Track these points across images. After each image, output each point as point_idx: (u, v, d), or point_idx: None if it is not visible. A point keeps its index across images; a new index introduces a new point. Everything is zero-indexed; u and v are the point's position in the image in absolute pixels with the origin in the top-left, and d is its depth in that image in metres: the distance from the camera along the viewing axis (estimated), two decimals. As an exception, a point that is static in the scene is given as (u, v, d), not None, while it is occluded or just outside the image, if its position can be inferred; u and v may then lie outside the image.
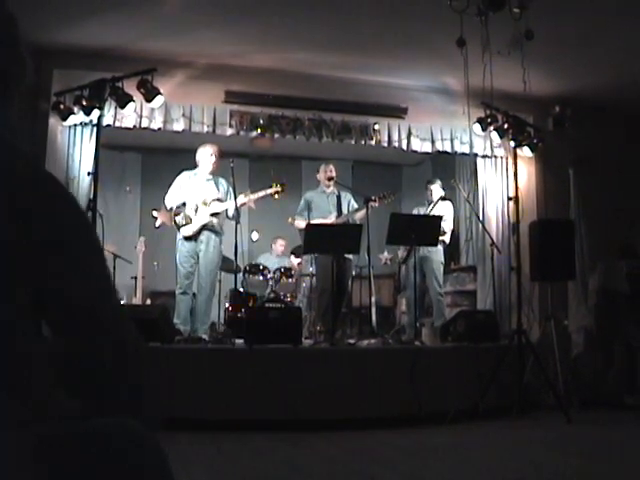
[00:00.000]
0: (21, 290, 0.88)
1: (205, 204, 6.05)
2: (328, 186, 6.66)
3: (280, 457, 3.82)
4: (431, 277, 6.76)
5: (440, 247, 6.74)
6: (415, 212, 7.10)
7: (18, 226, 0.87)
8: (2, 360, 0.85)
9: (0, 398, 0.84)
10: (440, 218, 6.43)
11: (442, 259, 6.85)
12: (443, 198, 7.01)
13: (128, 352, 0.97)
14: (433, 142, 6.85)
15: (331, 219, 6.46)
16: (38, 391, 0.90)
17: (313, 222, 6.27)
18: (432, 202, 6.94)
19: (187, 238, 6.04)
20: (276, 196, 6.33)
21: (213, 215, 6.05)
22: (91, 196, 4.81)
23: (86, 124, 5.86)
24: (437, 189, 6.98)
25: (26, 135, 5.50)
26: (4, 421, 0.84)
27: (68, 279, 0.92)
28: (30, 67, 1.06)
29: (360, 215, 6.42)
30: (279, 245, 8.14)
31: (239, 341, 5.22)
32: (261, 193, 6.26)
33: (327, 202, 6.62)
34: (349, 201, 6.71)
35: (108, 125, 5.83)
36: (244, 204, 6.16)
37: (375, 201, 6.33)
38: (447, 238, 6.81)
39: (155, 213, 7.17)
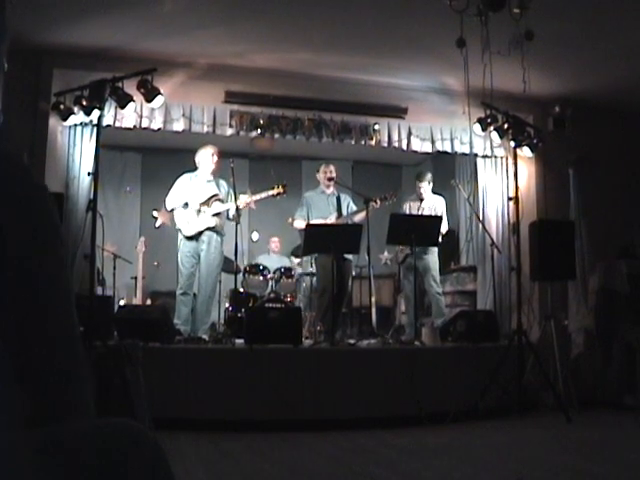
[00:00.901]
0: None
1: (207, 205, 6.06)
2: (328, 187, 6.66)
3: (280, 457, 3.82)
4: (428, 277, 6.77)
5: (434, 248, 6.75)
6: (406, 207, 7.09)
7: None
8: (3, 360, 0.85)
9: (1, 398, 0.84)
10: (440, 218, 6.44)
11: (437, 258, 6.86)
12: (434, 192, 7.04)
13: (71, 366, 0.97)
14: (433, 142, 6.85)
15: (331, 220, 6.47)
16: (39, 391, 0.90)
17: (313, 222, 6.27)
18: (423, 198, 6.95)
19: (189, 238, 6.04)
20: (278, 197, 6.34)
21: (215, 215, 6.06)
22: (91, 196, 4.81)
23: (86, 124, 5.86)
24: (426, 186, 6.97)
25: (26, 134, 5.50)
26: (5, 421, 0.84)
27: (34, 293, 0.92)
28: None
29: (360, 217, 6.42)
30: (273, 243, 8.19)
31: (239, 341, 5.22)
32: (263, 194, 6.26)
33: (327, 203, 6.62)
34: (348, 203, 6.70)
35: (108, 125, 5.82)
36: (246, 205, 6.16)
37: (376, 202, 6.33)
38: (443, 230, 6.80)
39: (155, 213, 7.18)
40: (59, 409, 0.94)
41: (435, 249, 6.76)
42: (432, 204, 6.93)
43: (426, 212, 6.87)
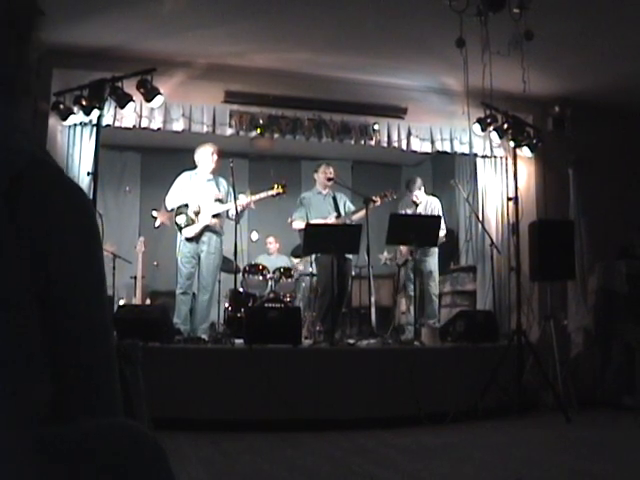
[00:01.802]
0: (27, 299, 0.89)
1: (208, 202, 6.05)
2: (325, 187, 6.65)
3: (280, 457, 3.82)
4: (429, 279, 6.78)
5: (435, 249, 6.76)
6: (402, 212, 7.08)
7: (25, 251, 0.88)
8: (6, 362, 0.86)
9: (4, 400, 0.84)
10: (440, 218, 6.44)
11: (437, 260, 6.87)
12: (428, 194, 7.04)
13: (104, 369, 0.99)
14: (433, 142, 6.85)
15: (331, 220, 6.46)
16: (41, 393, 0.90)
17: (312, 222, 6.27)
18: (418, 204, 6.95)
19: (189, 239, 6.03)
20: (277, 197, 6.33)
21: (215, 216, 6.05)
22: (91, 196, 4.82)
23: (86, 124, 5.86)
24: (418, 192, 6.98)
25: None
26: (6, 422, 0.84)
27: (69, 294, 0.94)
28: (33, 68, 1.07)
29: (359, 216, 6.42)
30: (269, 243, 8.14)
31: (238, 341, 5.22)
32: (262, 194, 6.25)
33: (324, 203, 6.61)
34: (345, 202, 6.70)
35: (108, 125, 5.82)
36: (245, 207, 6.13)
37: (376, 201, 6.33)
38: (441, 233, 6.78)
39: (155, 213, 7.17)
40: (79, 408, 0.95)
41: (435, 251, 6.77)
42: (428, 206, 6.93)
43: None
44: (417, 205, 6.97)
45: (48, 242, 0.91)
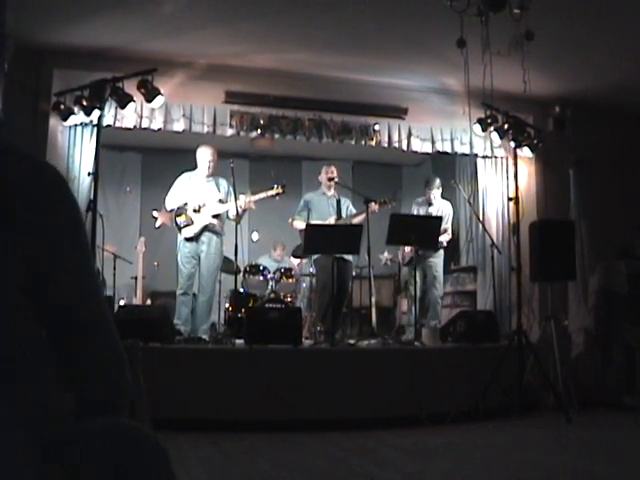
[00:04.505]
0: (22, 298, 0.88)
1: (208, 202, 6.05)
2: (329, 187, 6.65)
3: (280, 457, 3.82)
4: (432, 281, 6.76)
5: (441, 251, 6.76)
6: (414, 210, 7.09)
7: (9, 234, 0.87)
8: (8, 363, 0.86)
9: (4, 401, 0.84)
10: (440, 219, 6.44)
11: (442, 262, 6.87)
12: (443, 197, 7.04)
13: (111, 353, 1.00)
14: (433, 142, 6.84)
15: (330, 222, 6.46)
16: (41, 393, 0.90)
17: (312, 222, 6.27)
18: (432, 204, 6.95)
19: (188, 239, 6.03)
20: (277, 197, 6.33)
21: (214, 217, 6.04)
22: (91, 196, 4.82)
23: (86, 124, 5.86)
24: (436, 192, 6.98)
25: (27, 134, 5.50)
26: (7, 423, 0.84)
27: (62, 286, 0.94)
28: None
29: (359, 219, 6.41)
30: (278, 251, 8.03)
31: (239, 341, 5.22)
32: (262, 195, 6.25)
33: (327, 204, 6.61)
34: (348, 206, 6.71)
35: (108, 125, 5.82)
36: (245, 209, 6.11)
37: (375, 203, 6.32)
38: (445, 238, 6.79)
39: (155, 213, 7.16)
40: (95, 401, 0.97)
41: (441, 253, 6.77)
42: (440, 208, 6.93)
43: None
44: (431, 205, 6.96)
45: (26, 231, 0.90)
